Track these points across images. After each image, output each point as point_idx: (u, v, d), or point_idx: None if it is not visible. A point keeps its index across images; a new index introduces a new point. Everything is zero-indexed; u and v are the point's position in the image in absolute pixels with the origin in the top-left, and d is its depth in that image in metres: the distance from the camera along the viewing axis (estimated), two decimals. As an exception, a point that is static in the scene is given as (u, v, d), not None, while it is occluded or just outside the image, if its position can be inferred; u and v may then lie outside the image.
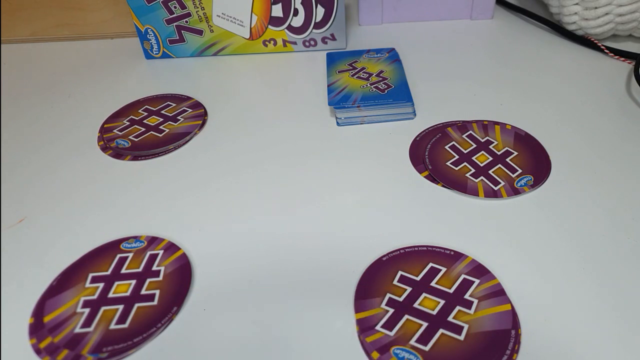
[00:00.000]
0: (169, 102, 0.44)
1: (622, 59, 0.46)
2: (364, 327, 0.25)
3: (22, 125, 0.43)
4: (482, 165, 0.35)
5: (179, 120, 0.41)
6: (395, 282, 0.27)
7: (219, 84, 0.46)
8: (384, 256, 0.29)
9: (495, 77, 0.45)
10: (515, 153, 0.36)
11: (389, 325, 0.25)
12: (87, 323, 0.27)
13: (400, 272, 0.28)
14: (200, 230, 0.32)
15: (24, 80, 0.49)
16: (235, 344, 0.25)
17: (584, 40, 0.48)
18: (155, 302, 0.27)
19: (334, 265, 0.29)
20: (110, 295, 0.28)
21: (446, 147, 0.37)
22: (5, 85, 0.49)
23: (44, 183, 0.36)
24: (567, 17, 0.47)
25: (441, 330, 0.25)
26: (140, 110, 0.43)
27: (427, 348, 0.24)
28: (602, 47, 0.46)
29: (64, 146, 0.40)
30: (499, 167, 0.34)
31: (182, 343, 0.26)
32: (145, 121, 0.42)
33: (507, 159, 0.35)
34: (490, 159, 0.35)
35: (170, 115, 0.42)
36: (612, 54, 0.46)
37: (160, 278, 0.29)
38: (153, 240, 0.31)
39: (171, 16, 0.47)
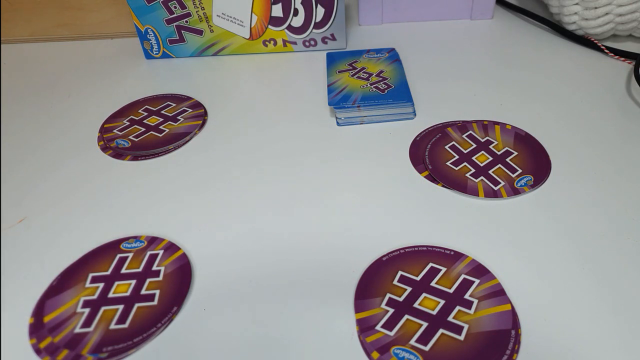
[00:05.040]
0: (169, 102, 0.44)
1: (622, 59, 0.46)
2: (364, 327, 0.25)
3: (22, 125, 0.43)
4: (482, 165, 0.35)
5: (179, 120, 0.41)
6: (395, 282, 0.27)
7: (219, 84, 0.46)
8: (384, 256, 0.29)
9: (495, 77, 0.45)
10: (515, 153, 0.36)
11: (389, 325, 0.25)
12: (87, 323, 0.27)
13: (400, 272, 0.28)
14: (200, 230, 0.32)
15: (24, 80, 0.49)
16: (235, 344, 0.25)
17: (584, 40, 0.48)
18: (155, 302, 0.27)
19: (334, 265, 0.29)
20: (110, 295, 0.28)
21: (446, 147, 0.37)
22: (5, 85, 0.49)
23: (44, 183, 0.36)
24: (567, 17, 0.47)
25: (441, 330, 0.25)
26: (140, 110, 0.43)
27: (427, 348, 0.24)
28: (602, 47, 0.46)
29: (64, 146, 0.40)
30: (499, 167, 0.34)
31: (182, 343, 0.26)
32: (145, 121, 0.42)
33: (507, 159, 0.35)
34: (490, 159, 0.35)
35: (170, 115, 0.42)
36: (612, 54, 0.46)
37: (160, 278, 0.29)
38: (153, 240, 0.31)
39: (171, 16, 0.47)
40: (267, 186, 0.35)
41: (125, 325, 0.26)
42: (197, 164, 0.37)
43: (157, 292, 0.28)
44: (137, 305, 0.27)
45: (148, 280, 0.29)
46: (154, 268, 0.29)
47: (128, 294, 0.28)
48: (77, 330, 0.26)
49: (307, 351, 0.25)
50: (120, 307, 0.27)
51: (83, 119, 0.43)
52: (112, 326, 0.26)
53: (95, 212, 0.34)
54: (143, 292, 0.28)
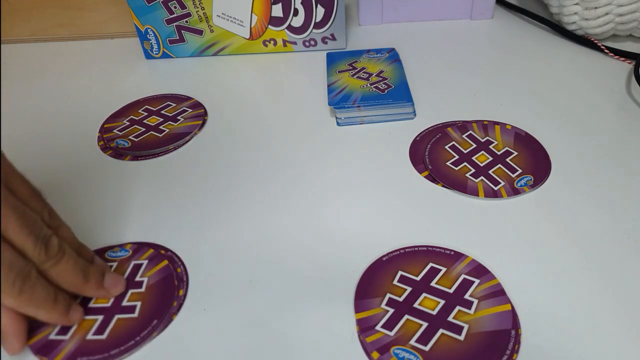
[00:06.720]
0: (169, 102, 0.44)
1: (622, 59, 0.46)
2: (364, 327, 0.25)
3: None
4: (482, 165, 0.35)
5: (179, 120, 0.41)
6: (395, 282, 0.27)
7: (219, 84, 0.46)
8: (384, 256, 0.29)
9: (495, 77, 0.45)
10: (515, 153, 0.36)
11: (389, 325, 0.25)
12: (63, 330, 0.26)
13: (400, 272, 0.28)
14: (200, 229, 0.32)
15: (24, 80, 0.49)
16: (235, 344, 0.25)
17: (584, 40, 0.48)
18: (136, 314, 0.27)
19: (334, 265, 0.29)
20: (91, 305, 0.27)
21: (446, 147, 0.37)
22: (5, 85, 0.49)
23: (43, 183, 0.36)
24: (567, 17, 0.47)
25: (441, 330, 0.25)
26: (140, 110, 0.43)
27: (427, 348, 0.24)
28: (602, 47, 0.46)
29: (64, 146, 0.40)
30: (499, 167, 0.34)
31: (182, 343, 0.26)
32: (145, 121, 0.41)
33: (507, 159, 0.35)
34: (490, 159, 0.35)
35: (170, 115, 0.42)
36: (612, 54, 0.46)
37: (143, 289, 0.28)
38: (138, 250, 0.30)
39: (171, 16, 0.47)
40: (267, 186, 0.35)
41: (103, 337, 0.26)
42: (197, 163, 0.37)
43: (139, 304, 0.27)
44: (117, 316, 0.27)
45: (130, 291, 0.28)
46: (137, 279, 0.28)
47: (109, 304, 0.27)
48: (52, 337, 0.26)
49: (307, 351, 0.25)
50: (100, 317, 0.27)
51: (83, 119, 0.43)
52: (90, 336, 0.26)
53: (95, 212, 0.34)
54: (124, 303, 0.27)
